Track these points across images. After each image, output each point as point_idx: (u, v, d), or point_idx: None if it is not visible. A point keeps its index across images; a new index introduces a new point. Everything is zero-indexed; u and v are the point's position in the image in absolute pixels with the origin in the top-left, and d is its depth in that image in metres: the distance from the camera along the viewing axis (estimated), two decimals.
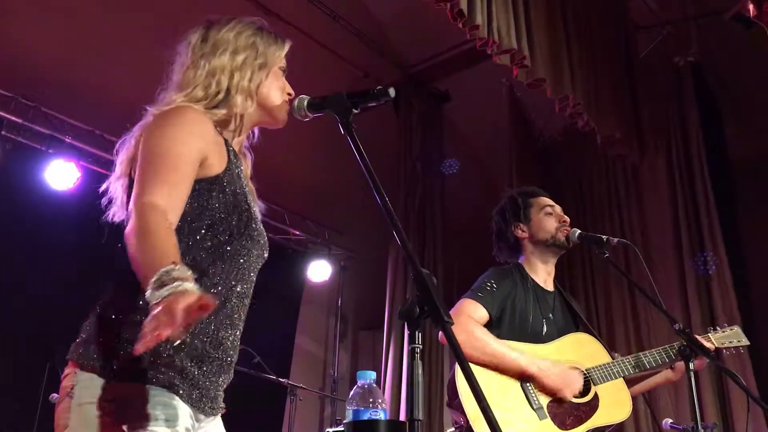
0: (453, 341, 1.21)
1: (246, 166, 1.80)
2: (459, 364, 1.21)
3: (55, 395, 4.10)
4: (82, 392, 1.41)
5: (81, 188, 5.10)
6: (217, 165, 1.59)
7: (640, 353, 2.71)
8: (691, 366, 2.34)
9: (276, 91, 1.76)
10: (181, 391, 1.44)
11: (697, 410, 2.30)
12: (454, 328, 2.51)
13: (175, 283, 1.20)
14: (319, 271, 7.09)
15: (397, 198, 5.99)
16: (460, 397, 2.42)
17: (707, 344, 2.70)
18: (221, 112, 1.67)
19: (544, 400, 2.53)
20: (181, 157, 1.50)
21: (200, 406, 1.52)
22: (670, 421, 3.57)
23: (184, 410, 1.45)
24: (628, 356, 2.70)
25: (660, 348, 2.71)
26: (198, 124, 1.58)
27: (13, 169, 4.97)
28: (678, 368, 2.75)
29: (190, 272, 1.25)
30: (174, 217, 1.44)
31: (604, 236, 2.67)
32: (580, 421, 2.54)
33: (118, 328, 1.43)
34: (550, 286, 2.85)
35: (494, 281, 2.67)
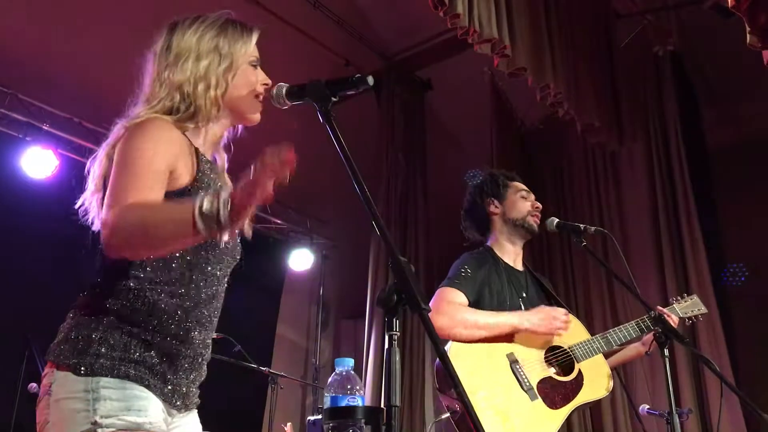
0: (430, 328, 1.21)
1: (222, 162, 1.79)
2: (436, 351, 1.22)
3: (33, 385, 4.12)
4: (58, 389, 1.47)
5: (59, 177, 5.05)
6: (184, 176, 1.59)
7: (615, 329, 2.77)
8: (666, 353, 2.38)
9: (245, 89, 1.72)
10: (151, 385, 1.50)
11: (672, 396, 2.34)
12: (439, 315, 2.55)
13: (222, 197, 1.31)
14: (300, 260, 7.10)
15: (379, 187, 5.99)
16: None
17: (673, 317, 2.80)
18: (190, 124, 1.66)
19: (534, 381, 2.57)
20: (150, 168, 1.50)
21: (172, 402, 1.56)
22: (647, 407, 3.63)
23: (155, 403, 1.50)
24: (604, 332, 2.76)
25: (633, 321, 2.78)
26: (164, 135, 1.57)
27: None
28: (646, 341, 2.82)
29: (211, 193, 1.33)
30: None
31: (581, 225, 2.71)
32: (568, 399, 2.59)
33: (90, 329, 1.49)
34: (519, 266, 2.91)
35: (469, 267, 2.73)
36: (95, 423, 1.41)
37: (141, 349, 1.50)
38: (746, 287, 5.54)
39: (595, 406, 3.36)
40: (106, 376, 1.45)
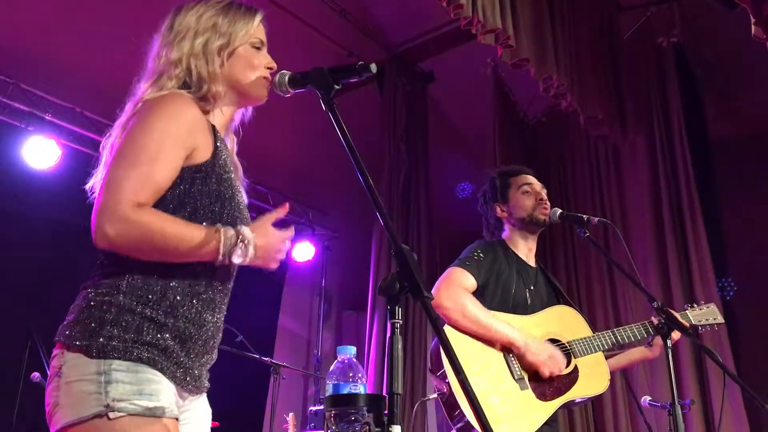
0: (432, 316, 1.22)
1: (232, 144, 1.81)
2: (438, 339, 1.22)
3: (36, 374, 4.12)
4: (69, 371, 1.45)
5: (61, 167, 5.04)
6: (203, 153, 1.59)
7: (619, 328, 2.76)
8: (669, 343, 2.38)
9: (246, 68, 1.72)
10: (164, 368, 1.47)
11: (674, 387, 2.33)
12: (444, 296, 2.55)
13: (246, 237, 1.50)
14: (302, 251, 7.09)
15: (381, 178, 5.98)
16: (444, 367, 2.47)
17: (683, 322, 2.76)
18: (204, 101, 1.67)
19: (525, 372, 2.57)
20: (163, 147, 1.51)
21: (184, 385, 1.54)
22: (649, 398, 3.63)
23: (167, 386, 1.48)
24: (607, 331, 2.75)
25: (638, 323, 2.76)
26: (186, 112, 1.58)
27: None
28: (656, 344, 2.80)
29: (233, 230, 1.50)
30: (153, 201, 1.51)
31: (584, 215, 2.70)
32: (560, 393, 2.59)
33: (102, 310, 1.47)
34: (532, 262, 2.91)
35: (482, 252, 2.74)
36: (107, 406, 1.39)
37: (154, 331, 1.48)
38: (749, 282, 5.53)
39: (596, 399, 3.36)
40: (119, 358, 1.43)
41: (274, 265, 1.58)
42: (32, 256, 4.79)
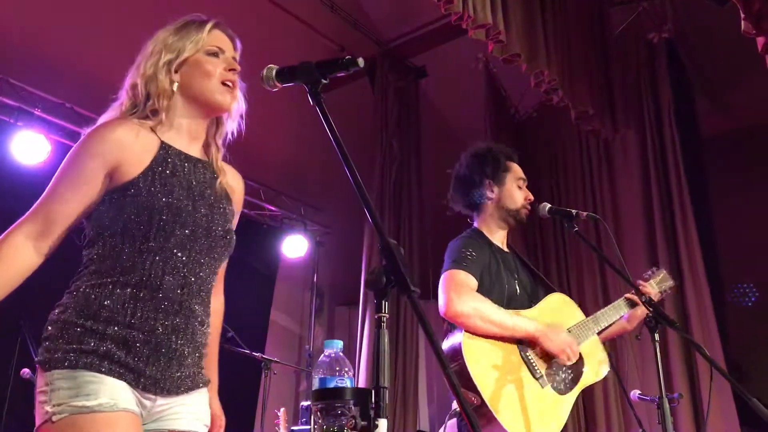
0: (419, 312, 1.21)
1: (215, 152, 1.84)
2: (426, 335, 1.21)
3: (26, 370, 4.11)
4: (37, 386, 1.59)
5: (51, 162, 5.02)
6: (131, 169, 1.66)
7: (603, 309, 2.80)
8: (656, 337, 2.39)
9: (201, 76, 1.75)
10: (107, 371, 1.54)
11: (662, 381, 2.35)
12: (457, 301, 2.48)
13: None
14: (294, 246, 7.09)
15: (373, 173, 5.98)
16: (472, 378, 2.38)
17: (653, 292, 2.84)
18: (150, 121, 1.73)
19: (543, 368, 2.55)
20: (67, 180, 1.66)
21: (139, 386, 1.58)
22: (638, 392, 3.64)
23: (110, 386, 1.53)
24: (594, 314, 2.78)
25: (620, 299, 2.82)
26: (106, 136, 1.67)
27: None
28: (632, 317, 2.85)
29: None
30: (46, 241, 1.66)
31: (573, 210, 2.70)
32: (574, 383, 2.60)
33: (56, 327, 1.60)
34: (506, 248, 2.87)
35: (471, 249, 2.66)
36: (47, 413, 1.50)
37: (96, 340, 1.56)
38: (740, 277, 5.57)
39: (587, 392, 3.37)
40: (59, 368, 1.53)
41: None
42: None
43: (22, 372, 4.12)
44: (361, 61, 1.48)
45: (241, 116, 1.86)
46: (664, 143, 5.46)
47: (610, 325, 2.83)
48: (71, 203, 1.65)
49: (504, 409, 2.34)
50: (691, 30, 5.77)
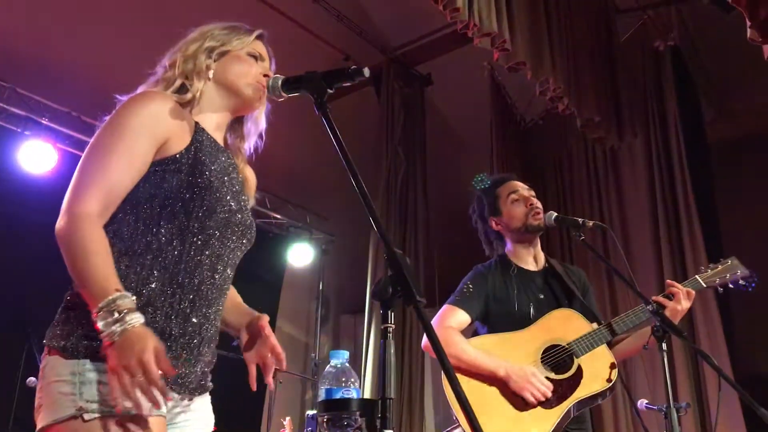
0: (425, 321, 1.21)
1: (236, 146, 1.84)
2: (432, 344, 1.21)
3: (32, 379, 4.11)
4: (48, 372, 1.47)
5: (58, 171, 5.03)
6: (177, 144, 1.60)
7: (616, 318, 2.75)
8: (664, 347, 2.37)
9: (239, 70, 1.75)
10: None
11: (669, 390, 2.33)
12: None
13: (127, 318, 1.36)
14: (300, 254, 7.09)
15: (379, 182, 5.98)
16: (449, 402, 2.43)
17: (682, 300, 2.64)
18: (184, 96, 1.70)
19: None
20: (123, 149, 1.54)
21: (172, 386, 1.52)
22: (646, 401, 3.62)
23: None
24: (606, 323, 2.74)
25: (638, 307, 2.74)
26: (154, 108, 1.60)
27: None
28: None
29: (133, 298, 1.40)
30: (105, 218, 1.53)
31: (580, 219, 2.69)
32: (564, 397, 2.58)
33: (77, 312, 1.48)
34: (538, 266, 2.89)
35: (471, 283, 2.78)
36: (80, 408, 1.39)
37: None
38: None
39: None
40: (90, 358, 1.43)
41: (122, 362, 1.34)
42: (29, 261, 4.78)
43: (28, 381, 4.11)
44: (366, 71, 1.49)
45: (260, 136, 1.87)
46: (670, 150, 5.45)
47: (629, 332, 2.77)
48: (129, 175, 1.54)
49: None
50: (697, 38, 5.77)
